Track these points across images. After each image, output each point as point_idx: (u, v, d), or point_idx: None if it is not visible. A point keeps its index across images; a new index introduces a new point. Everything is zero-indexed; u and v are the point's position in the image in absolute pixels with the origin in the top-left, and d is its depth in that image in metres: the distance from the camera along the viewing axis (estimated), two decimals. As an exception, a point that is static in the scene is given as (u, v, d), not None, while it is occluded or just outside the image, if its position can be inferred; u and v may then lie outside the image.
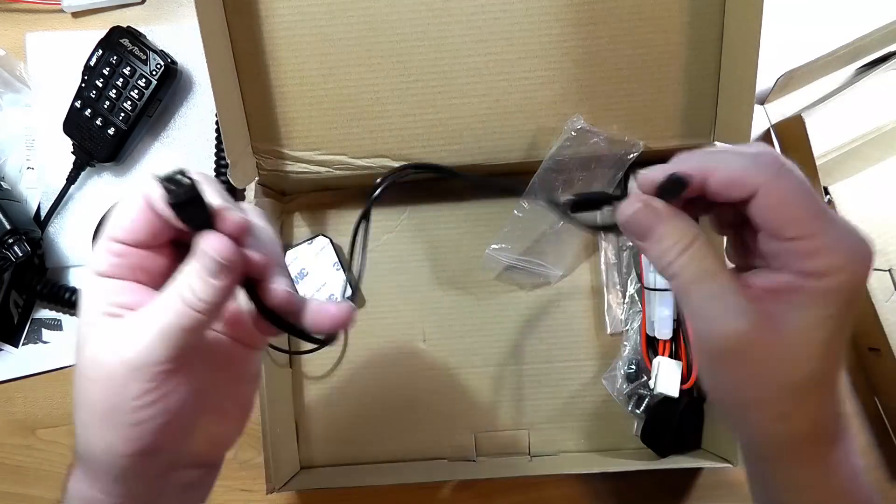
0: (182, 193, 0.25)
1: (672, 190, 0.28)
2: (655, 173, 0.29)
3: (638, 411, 0.52)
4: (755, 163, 0.27)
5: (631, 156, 0.48)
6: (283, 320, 0.30)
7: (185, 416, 0.29)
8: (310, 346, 0.54)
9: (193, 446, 0.31)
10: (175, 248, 0.30)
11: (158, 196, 0.26)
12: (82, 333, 0.28)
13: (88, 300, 0.28)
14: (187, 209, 0.26)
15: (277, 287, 0.29)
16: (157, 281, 0.29)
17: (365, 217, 0.41)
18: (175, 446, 0.30)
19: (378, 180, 0.40)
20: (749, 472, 0.33)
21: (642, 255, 0.51)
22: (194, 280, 0.27)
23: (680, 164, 0.28)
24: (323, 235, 0.53)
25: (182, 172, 0.25)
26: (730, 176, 0.27)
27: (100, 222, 0.54)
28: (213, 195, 0.27)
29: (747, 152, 0.28)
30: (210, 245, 0.26)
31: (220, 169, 0.53)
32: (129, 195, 0.28)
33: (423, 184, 0.54)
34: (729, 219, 0.31)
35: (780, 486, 0.31)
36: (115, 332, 0.27)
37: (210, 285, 0.27)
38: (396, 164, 0.48)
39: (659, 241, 0.29)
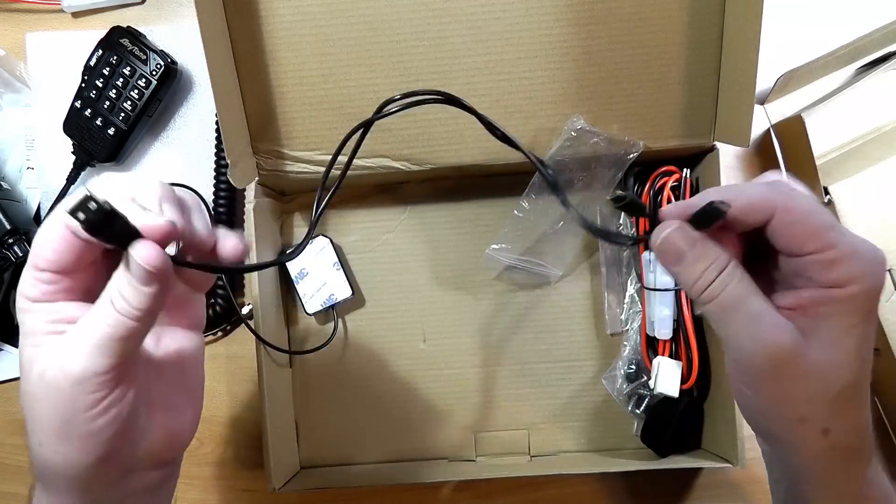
0: (96, 219, 0.25)
1: (708, 219, 0.29)
2: (681, 206, 0.31)
3: (638, 411, 0.52)
4: (770, 188, 0.29)
5: (631, 156, 0.48)
6: (212, 266, 0.30)
7: (138, 418, 0.30)
8: (310, 346, 0.54)
9: (150, 446, 0.32)
10: (105, 256, 0.30)
11: (76, 224, 0.26)
12: (26, 357, 0.28)
13: (28, 324, 0.28)
14: (107, 230, 0.26)
15: (223, 247, 0.31)
16: (93, 292, 0.29)
17: (364, 130, 0.38)
18: (132, 449, 0.30)
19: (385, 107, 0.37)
20: (785, 499, 0.33)
21: (642, 256, 0.51)
22: (125, 289, 0.27)
23: (704, 198, 0.29)
24: (323, 235, 0.53)
25: (90, 197, 0.25)
26: (749, 201, 0.29)
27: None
28: (129, 206, 0.27)
29: (761, 181, 0.30)
30: (139, 255, 0.26)
31: (221, 169, 0.53)
32: (49, 223, 0.28)
33: (423, 183, 0.54)
34: (742, 251, 0.32)
35: None
36: (56, 349, 0.27)
37: (142, 293, 0.27)
38: (397, 164, 0.48)
39: (694, 263, 0.29)
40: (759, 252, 0.31)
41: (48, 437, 0.28)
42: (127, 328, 0.27)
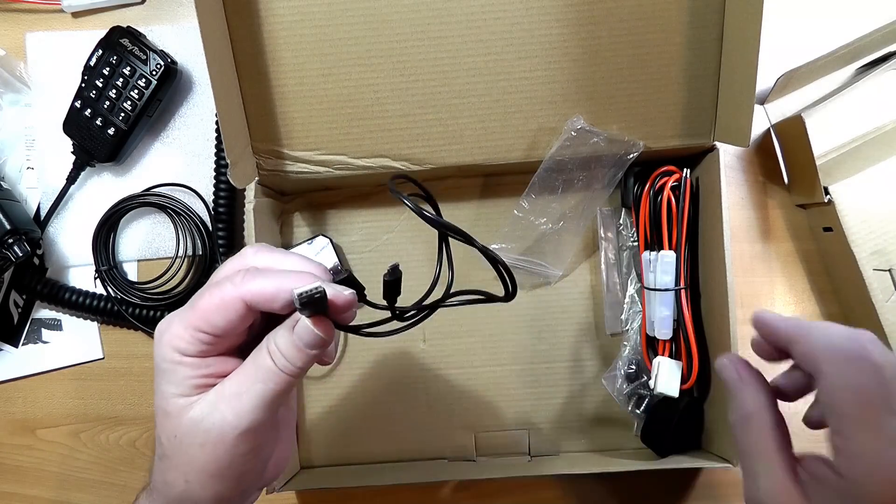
0: (315, 301, 0.29)
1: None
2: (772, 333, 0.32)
3: (638, 411, 0.52)
4: (831, 343, 0.28)
5: (631, 156, 0.48)
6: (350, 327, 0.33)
7: (271, 453, 0.35)
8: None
9: (268, 474, 0.36)
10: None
11: (266, 295, 0.30)
12: (174, 404, 0.31)
13: (177, 375, 0.31)
14: (314, 306, 0.29)
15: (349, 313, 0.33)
16: (234, 349, 0.33)
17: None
18: (262, 477, 0.35)
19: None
20: None
21: (642, 255, 0.51)
22: (290, 350, 0.30)
23: (780, 324, 0.31)
24: (323, 235, 0.53)
25: (318, 290, 0.28)
26: (809, 350, 0.29)
27: (100, 225, 0.54)
28: (329, 287, 0.30)
29: (843, 334, 0.29)
30: (320, 327, 0.30)
31: (220, 169, 0.53)
32: (223, 292, 0.31)
33: (423, 183, 0.54)
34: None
35: None
36: (214, 402, 0.31)
37: (306, 354, 0.30)
38: (396, 164, 0.48)
39: (732, 398, 0.33)
40: None
41: (199, 476, 0.31)
42: (287, 384, 0.31)
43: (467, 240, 0.31)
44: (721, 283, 0.46)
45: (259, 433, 0.31)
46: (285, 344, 0.30)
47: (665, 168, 0.50)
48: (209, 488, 0.31)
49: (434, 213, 0.32)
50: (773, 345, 0.32)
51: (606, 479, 0.54)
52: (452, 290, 0.33)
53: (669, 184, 0.49)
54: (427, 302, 0.33)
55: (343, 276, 0.33)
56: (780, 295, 0.54)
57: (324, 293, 0.28)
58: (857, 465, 0.27)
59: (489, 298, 0.33)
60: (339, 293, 0.30)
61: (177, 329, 0.31)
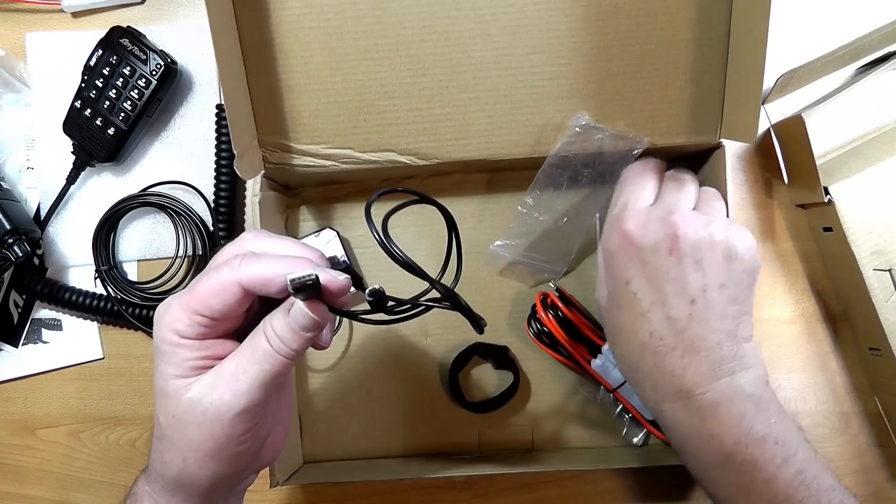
0: (308, 285, 0.29)
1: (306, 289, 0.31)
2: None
3: (626, 416, 0.52)
4: None
5: (635, 151, 0.48)
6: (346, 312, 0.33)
7: (267, 436, 0.35)
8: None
9: (264, 456, 0.37)
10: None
11: (263, 279, 0.31)
12: (173, 385, 0.32)
13: (176, 356, 0.32)
14: (308, 291, 0.30)
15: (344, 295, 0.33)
16: (232, 332, 0.34)
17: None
18: (257, 460, 0.36)
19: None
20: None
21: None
22: (286, 333, 0.31)
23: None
24: (330, 228, 0.53)
25: (311, 277, 0.29)
26: None
27: (100, 225, 0.53)
28: (323, 273, 0.31)
29: None
30: (315, 310, 0.31)
31: (221, 169, 0.53)
32: (220, 276, 0.31)
33: (429, 178, 0.54)
34: None
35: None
36: (213, 383, 0.32)
37: (302, 337, 0.31)
38: (403, 159, 0.48)
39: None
40: None
41: (196, 455, 0.32)
42: (283, 366, 0.32)
43: (428, 280, 0.32)
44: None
45: (255, 414, 0.32)
46: (281, 326, 0.31)
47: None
48: (206, 467, 0.32)
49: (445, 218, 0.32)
50: None
51: (608, 479, 0.54)
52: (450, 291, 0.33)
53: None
54: (425, 299, 0.33)
55: (341, 266, 0.34)
56: (780, 295, 0.54)
57: (317, 279, 0.29)
58: None
59: (470, 319, 0.34)
60: (333, 278, 0.31)
61: (176, 312, 0.32)
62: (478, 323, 0.34)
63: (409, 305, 0.33)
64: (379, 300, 0.31)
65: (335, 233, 0.53)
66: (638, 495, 0.54)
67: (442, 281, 0.32)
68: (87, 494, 0.56)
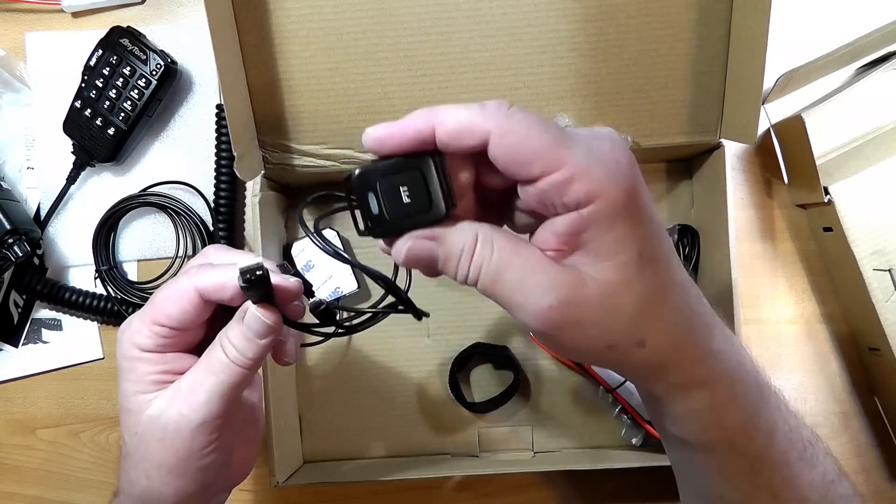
0: (256, 280, 0.29)
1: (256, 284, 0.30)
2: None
3: (625, 417, 0.52)
4: (482, 109, 0.26)
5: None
6: (301, 324, 0.34)
7: (233, 451, 0.35)
8: (314, 339, 0.54)
9: (232, 472, 0.36)
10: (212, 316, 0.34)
11: (216, 284, 0.31)
12: (135, 401, 0.32)
13: (138, 371, 0.32)
14: (256, 290, 0.30)
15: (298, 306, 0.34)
16: (196, 346, 0.34)
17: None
18: (224, 476, 0.35)
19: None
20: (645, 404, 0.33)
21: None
22: (240, 341, 0.31)
23: (407, 121, 0.27)
24: (330, 228, 0.53)
25: (261, 265, 0.29)
26: (458, 125, 0.26)
27: (100, 225, 0.54)
28: (273, 273, 0.31)
29: (474, 104, 0.27)
30: (265, 314, 0.31)
31: (221, 169, 0.53)
32: (178, 284, 0.32)
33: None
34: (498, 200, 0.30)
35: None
36: (172, 396, 0.31)
37: (256, 344, 0.31)
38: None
39: (445, 262, 0.28)
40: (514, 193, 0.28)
41: (159, 472, 0.32)
42: (240, 376, 0.31)
43: (371, 275, 0.32)
44: (725, 281, 0.46)
45: (216, 427, 0.32)
46: (236, 335, 0.31)
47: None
48: (170, 484, 0.32)
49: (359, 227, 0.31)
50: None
51: (607, 479, 0.54)
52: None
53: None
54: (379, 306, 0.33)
55: (291, 272, 0.35)
56: (780, 295, 0.54)
57: (266, 273, 0.30)
58: (594, 174, 0.25)
59: (412, 311, 0.33)
60: (283, 279, 0.32)
61: (136, 325, 0.32)
62: (418, 315, 0.33)
63: (359, 315, 0.33)
64: (323, 312, 0.32)
65: (335, 233, 0.53)
66: (638, 495, 0.54)
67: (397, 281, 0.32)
68: (87, 494, 0.56)
